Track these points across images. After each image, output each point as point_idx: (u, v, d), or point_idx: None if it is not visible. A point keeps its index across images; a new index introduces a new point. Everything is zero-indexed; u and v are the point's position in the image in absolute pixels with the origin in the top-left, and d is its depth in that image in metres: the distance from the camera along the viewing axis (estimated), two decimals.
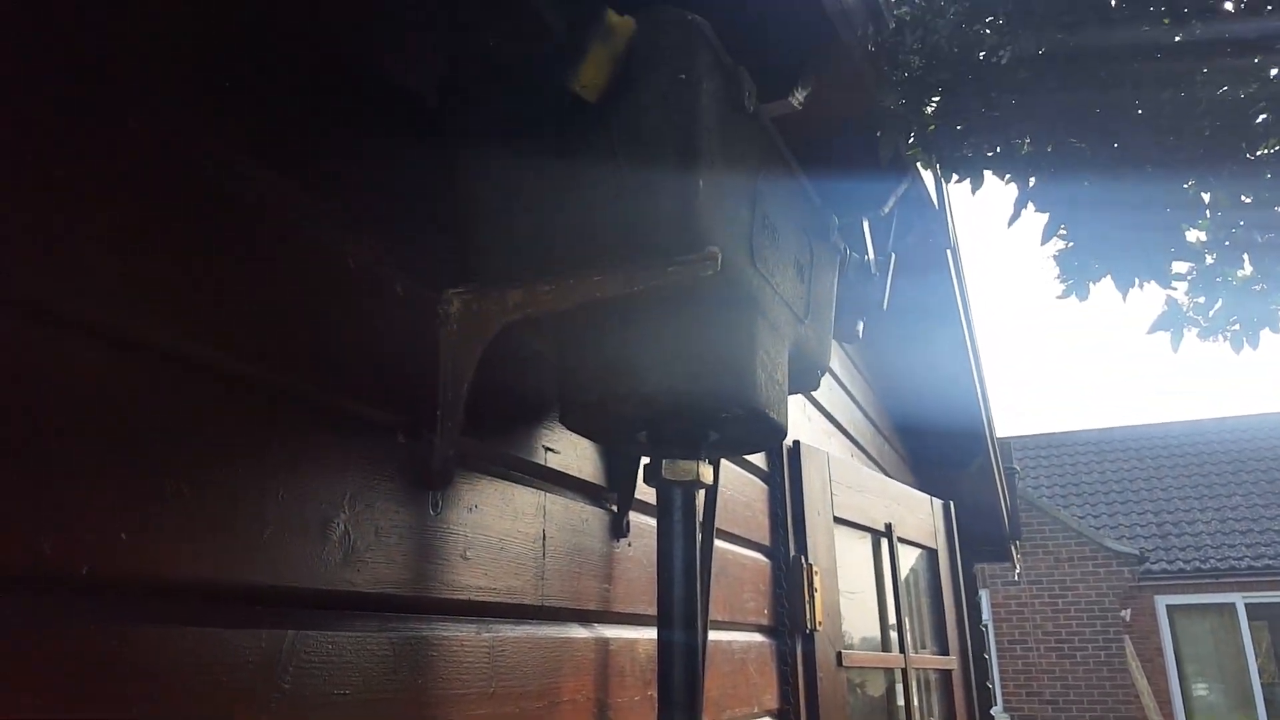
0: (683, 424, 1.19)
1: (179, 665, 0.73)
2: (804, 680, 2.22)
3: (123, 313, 0.74)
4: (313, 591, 0.87)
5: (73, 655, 0.65)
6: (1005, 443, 6.08)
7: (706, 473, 1.21)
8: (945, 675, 3.34)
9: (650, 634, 1.56)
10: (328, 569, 0.89)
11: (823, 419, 3.10)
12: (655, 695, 1.54)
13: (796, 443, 2.48)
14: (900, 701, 2.87)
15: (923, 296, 3.52)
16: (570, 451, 1.39)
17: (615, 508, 1.52)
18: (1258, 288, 2.48)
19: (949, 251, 3.17)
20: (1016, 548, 6.69)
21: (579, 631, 1.35)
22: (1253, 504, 13.86)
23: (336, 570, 0.90)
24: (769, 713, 2.11)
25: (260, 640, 0.80)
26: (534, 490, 1.28)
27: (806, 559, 2.36)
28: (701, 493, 1.30)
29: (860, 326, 2.17)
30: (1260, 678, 12.98)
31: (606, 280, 1.02)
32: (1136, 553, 12.70)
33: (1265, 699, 12.89)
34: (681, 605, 1.17)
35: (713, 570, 1.80)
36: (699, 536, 1.24)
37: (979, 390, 4.67)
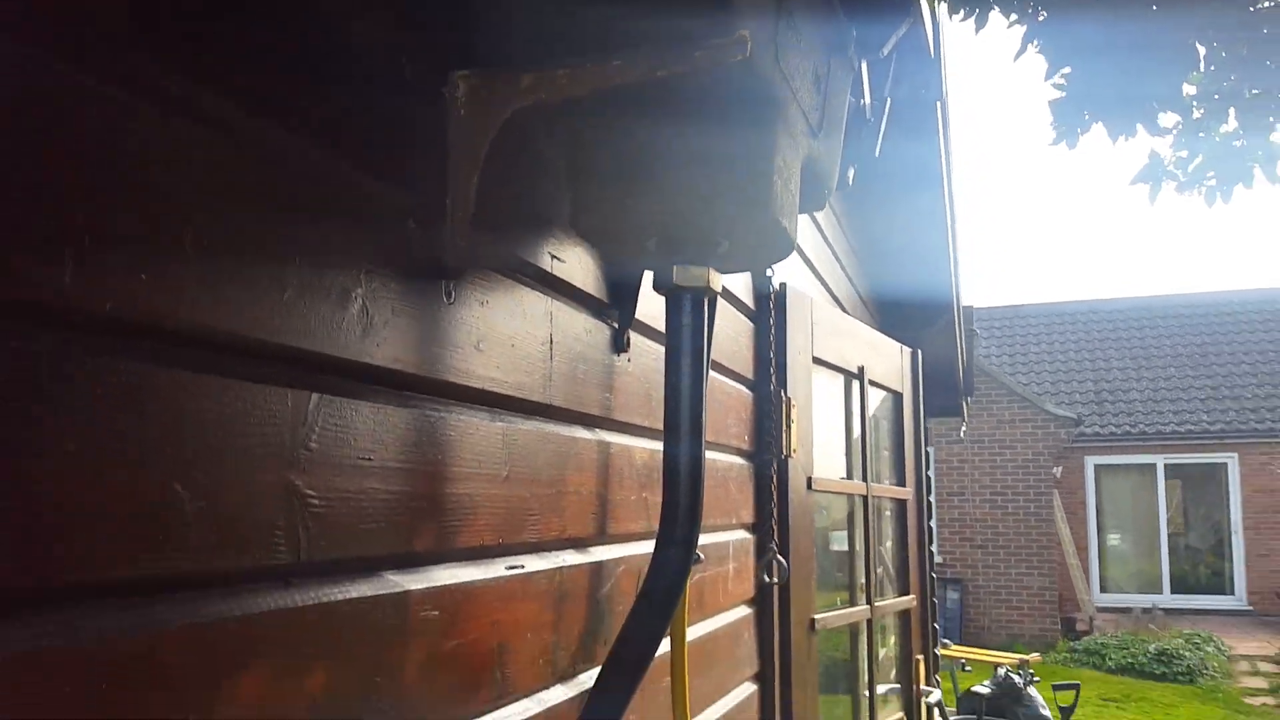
0: (696, 228, 1.13)
1: (204, 413, 0.69)
2: (777, 499, 2.28)
3: (142, 59, 0.66)
4: (335, 359, 0.83)
5: (92, 391, 0.61)
6: (969, 309, 6.11)
7: (716, 280, 1.17)
8: (900, 504, 3.46)
9: (645, 443, 1.56)
10: (349, 339, 0.84)
11: (806, 269, 3.06)
12: (649, 497, 1.56)
13: (784, 285, 2.45)
14: (860, 523, 2.98)
15: (908, 154, 3.41)
16: (575, 262, 1.34)
17: (616, 324, 1.48)
18: (1238, 143, 2.44)
19: (939, 104, 3.05)
20: (967, 404, 6.85)
21: (582, 433, 1.34)
22: (1184, 375, 14.26)
23: (357, 342, 0.86)
24: (745, 525, 2.17)
25: (286, 399, 0.76)
26: (541, 295, 1.24)
27: (786, 393, 2.37)
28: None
29: (851, 173, 2.09)
30: (1168, 528, 13.77)
31: (628, 65, 0.94)
32: (1074, 416, 13.11)
33: (1169, 547, 13.72)
34: (689, 405, 1.16)
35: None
36: (706, 344, 1.21)
37: (951, 254, 4.64)
